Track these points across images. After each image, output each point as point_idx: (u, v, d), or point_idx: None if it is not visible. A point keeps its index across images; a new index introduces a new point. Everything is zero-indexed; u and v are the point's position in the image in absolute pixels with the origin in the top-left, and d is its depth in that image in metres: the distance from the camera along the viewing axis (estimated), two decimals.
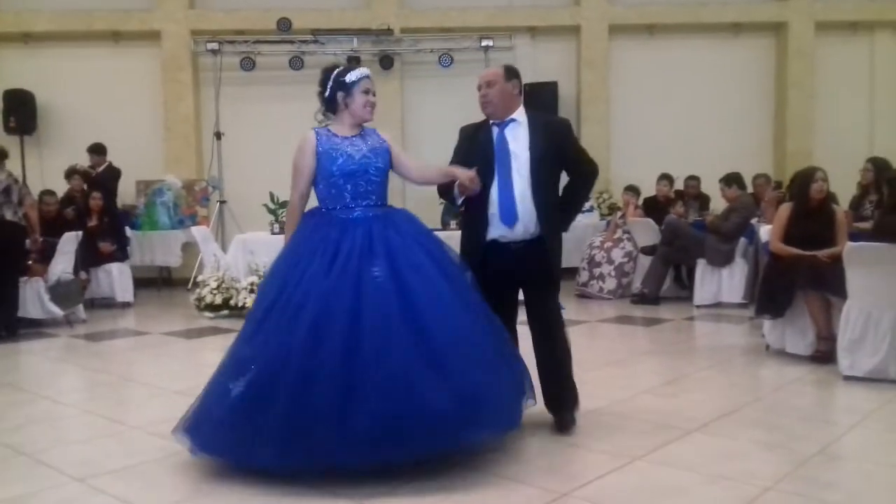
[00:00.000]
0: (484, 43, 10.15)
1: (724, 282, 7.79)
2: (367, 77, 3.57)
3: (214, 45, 10.08)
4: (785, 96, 10.82)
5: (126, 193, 10.06)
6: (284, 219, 3.52)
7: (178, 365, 5.87)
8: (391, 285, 3.22)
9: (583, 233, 9.10)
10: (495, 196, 3.67)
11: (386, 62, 10.28)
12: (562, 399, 3.81)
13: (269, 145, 10.14)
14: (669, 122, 10.62)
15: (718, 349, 5.95)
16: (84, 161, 9.26)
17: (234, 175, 10.35)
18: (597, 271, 8.60)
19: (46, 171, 9.91)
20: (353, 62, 10.03)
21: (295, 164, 3.55)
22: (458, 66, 10.26)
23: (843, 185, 7.72)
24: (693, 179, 9.14)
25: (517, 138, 3.73)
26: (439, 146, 10.33)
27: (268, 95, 10.31)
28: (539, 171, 3.67)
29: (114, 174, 9.39)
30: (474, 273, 3.60)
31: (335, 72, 3.56)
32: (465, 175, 3.49)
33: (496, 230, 3.70)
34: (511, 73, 3.83)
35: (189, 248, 9.83)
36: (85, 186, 8.95)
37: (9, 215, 6.80)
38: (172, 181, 10.13)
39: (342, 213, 3.45)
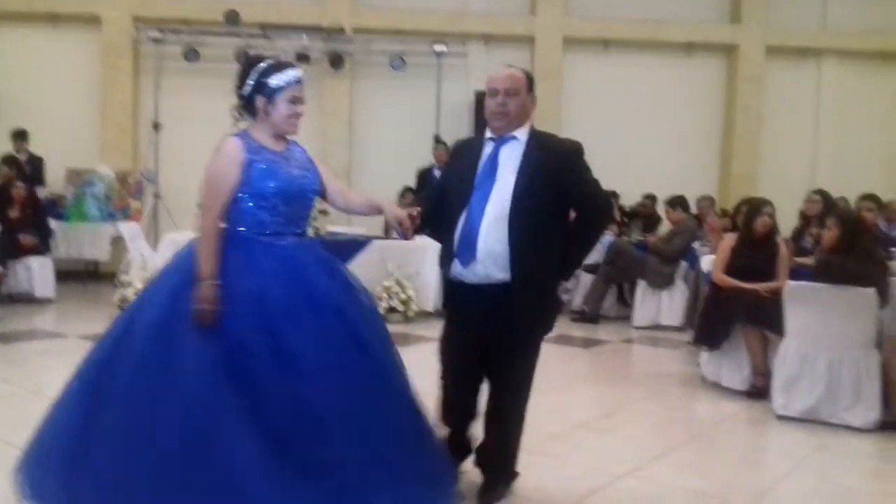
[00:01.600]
0: (437, 48, 9.95)
1: (663, 304, 7.77)
2: (298, 82, 2.87)
3: (157, 34, 9.68)
4: (733, 118, 10.88)
5: (54, 182, 9.59)
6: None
7: None
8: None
9: None
10: (460, 226, 3.08)
11: (336, 61, 9.99)
12: (489, 481, 3.30)
13: (210, 141, 9.52)
14: (619, 138, 10.52)
15: (656, 377, 5.86)
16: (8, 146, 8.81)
17: (171, 169, 9.95)
18: None
19: None
20: (302, 59, 9.77)
21: (215, 177, 2.82)
22: (411, 70, 10.05)
23: (784, 211, 7.73)
24: (648, 198, 9.09)
25: (510, 159, 3.10)
26: (388, 150, 10.37)
27: (211, 89, 9.86)
28: (522, 199, 3.01)
29: (38, 162, 8.94)
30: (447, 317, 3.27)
31: (257, 68, 2.88)
32: (393, 216, 2.97)
33: (455, 268, 3.11)
34: (532, 82, 3.20)
35: (119, 243, 9.35)
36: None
37: None
38: (105, 172, 9.67)
39: (273, 238, 2.82)
